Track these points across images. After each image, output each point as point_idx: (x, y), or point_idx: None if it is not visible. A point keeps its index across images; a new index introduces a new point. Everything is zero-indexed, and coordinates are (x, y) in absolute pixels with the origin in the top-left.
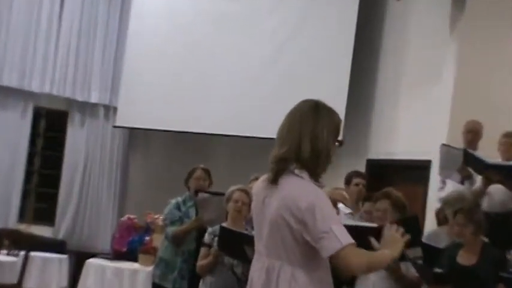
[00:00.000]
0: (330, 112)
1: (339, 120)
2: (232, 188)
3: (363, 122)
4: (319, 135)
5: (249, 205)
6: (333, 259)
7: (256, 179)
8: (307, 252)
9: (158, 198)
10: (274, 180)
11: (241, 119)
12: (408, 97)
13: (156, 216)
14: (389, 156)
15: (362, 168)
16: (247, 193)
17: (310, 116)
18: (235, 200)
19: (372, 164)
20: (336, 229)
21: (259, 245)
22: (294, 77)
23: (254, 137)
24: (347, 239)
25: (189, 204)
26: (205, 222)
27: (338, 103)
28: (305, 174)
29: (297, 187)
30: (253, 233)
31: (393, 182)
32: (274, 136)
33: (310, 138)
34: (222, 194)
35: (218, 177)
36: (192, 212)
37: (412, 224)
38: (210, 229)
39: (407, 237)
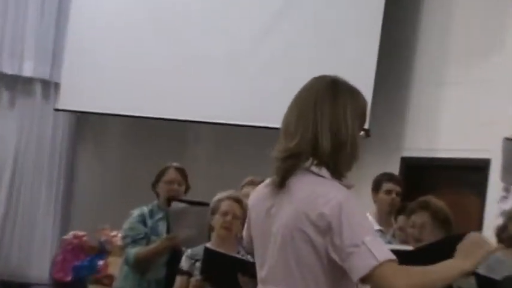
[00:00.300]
0: (353, 91)
1: (365, 103)
2: (219, 195)
3: (396, 107)
4: (341, 121)
5: (243, 219)
6: (367, 282)
7: (252, 182)
8: (334, 274)
9: (116, 208)
10: (282, 183)
11: (230, 103)
12: (457, 74)
13: (114, 233)
14: (432, 154)
15: (395, 169)
16: (239, 202)
17: (328, 97)
18: (224, 212)
19: (408, 164)
20: (370, 241)
21: (262, 272)
22: (298, 49)
23: (247, 125)
24: (385, 253)
25: (158, 217)
26: (181, 241)
27: (363, 82)
28: (325, 172)
29: (317, 188)
30: (250, 257)
31: (436, 188)
32: (276, 125)
33: (329, 125)
34: (205, 204)
35: (198, 180)
36: (163, 228)
37: None
38: (188, 251)
39: (492, 248)
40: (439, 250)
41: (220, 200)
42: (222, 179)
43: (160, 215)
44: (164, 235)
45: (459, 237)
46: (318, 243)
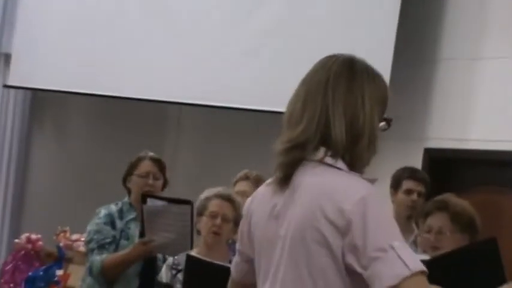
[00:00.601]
0: (374, 74)
1: (386, 88)
2: (207, 192)
3: (419, 88)
4: (358, 107)
5: (235, 222)
6: None
7: (247, 177)
8: (354, 286)
9: (78, 207)
10: (286, 179)
11: (219, 81)
12: (496, 47)
13: (75, 237)
14: (463, 145)
15: (417, 163)
16: (230, 202)
17: (343, 78)
18: (212, 213)
19: (433, 157)
20: (399, 246)
21: (266, 285)
22: (301, 20)
23: (240, 108)
24: (417, 263)
25: (129, 217)
26: (157, 247)
27: (379, 57)
28: (342, 165)
29: (334, 180)
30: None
31: (467, 186)
32: (277, 109)
33: (343, 111)
34: (187, 202)
35: (180, 174)
36: (135, 230)
37: (487, 254)
38: (169, 260)
39: None
40: (461, 260)
41: (207, 199)
42: (209, 173)
43: (132, 215)
44: (137, 239)
45: (485, 245)
46: (336, 246)
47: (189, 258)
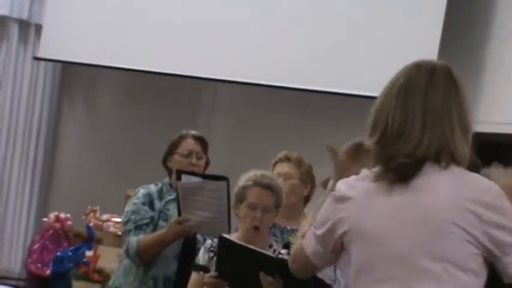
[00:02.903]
0: (460, 80)
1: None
2: (245, 178)
3: (468, 70)
4: (465, 112)
5: (276, 207)
6: None
7: (288, 158)
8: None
9: (108, 186)
10: (405, 179)
11: (256, 59)
12: None
13: (105, 217)
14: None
15: None
16: (270, 188)
17: (453, 89)
18: (252, 205)
19: (482, 141)
20: None
21: (374, 273)
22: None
23: (276, 86)
24: None
25: (168, 198)
26: (194, 227)
27: (427, 38)
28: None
29: (465, 177)
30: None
31: None
32: (309, 86)
33: (458, 120)
34: (223, 179)
35: (213, 152)
36: (174, 211)
37: None
38: (207, 242)
39: None
40: None
41: (246, 188)
42: (243, 151)
43: (171, 196)
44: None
45: None
46: (477, 238)
47: (221, 239)
